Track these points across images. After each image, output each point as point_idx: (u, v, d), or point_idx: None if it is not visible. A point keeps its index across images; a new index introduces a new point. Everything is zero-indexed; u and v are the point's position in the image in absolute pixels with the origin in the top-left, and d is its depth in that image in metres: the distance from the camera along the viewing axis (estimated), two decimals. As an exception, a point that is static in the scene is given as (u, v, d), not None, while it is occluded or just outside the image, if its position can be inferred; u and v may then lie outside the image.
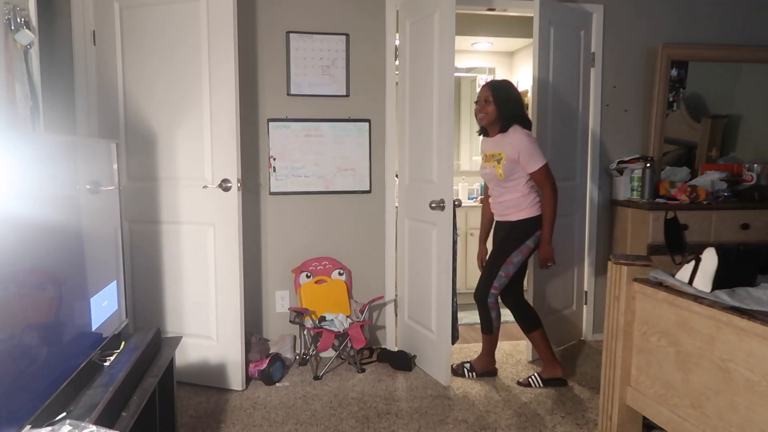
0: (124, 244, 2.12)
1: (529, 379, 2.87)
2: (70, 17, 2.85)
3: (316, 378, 2.94)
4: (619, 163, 3.47)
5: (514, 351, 3.36)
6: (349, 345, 3.09)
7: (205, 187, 2.70)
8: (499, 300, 2.88)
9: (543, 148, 3.19)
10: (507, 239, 2.76)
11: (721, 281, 1.78)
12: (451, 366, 2.95)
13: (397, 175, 3.34)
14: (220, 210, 2.70)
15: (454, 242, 2.82)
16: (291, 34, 3.12)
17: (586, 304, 3.60)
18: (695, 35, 3.58)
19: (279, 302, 3.27)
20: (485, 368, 2.97)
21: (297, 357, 3.18)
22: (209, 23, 2.62)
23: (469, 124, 4.97)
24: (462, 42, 4.55)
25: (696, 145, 3.65)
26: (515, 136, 2.64)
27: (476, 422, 2.47)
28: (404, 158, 3.23)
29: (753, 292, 1.71)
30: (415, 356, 3.13)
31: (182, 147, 2.73)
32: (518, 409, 2.61)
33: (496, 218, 2.88)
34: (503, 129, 2.68)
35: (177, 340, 2.18)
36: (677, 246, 2.97)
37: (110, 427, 1.44)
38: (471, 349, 3.38)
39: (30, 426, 1.26)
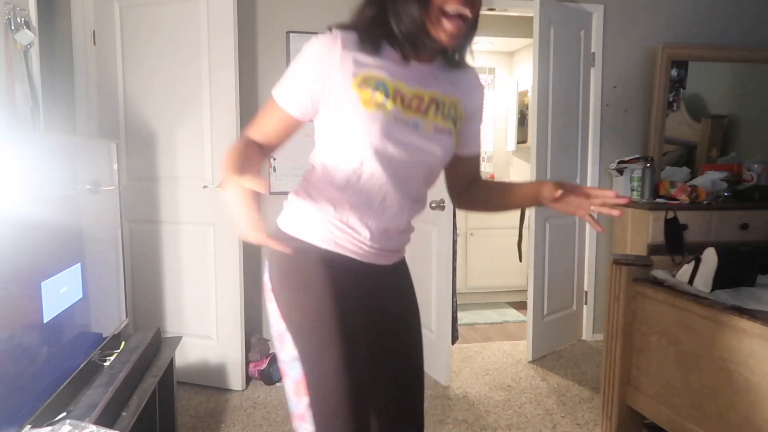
0: (124, 244, 2.12)
1: None
2: (70, 17, 2.85)
3: (316, 378, 2.94)
4: (619, 163, 3.47)
5: (514, 351, 3.36)
6: (349, 345, 3.08)
7: (205, 187, 2.70)
8: None
9: (543, 147, 3.21)
10: (413, 295, 1.32)
11: (721, 281, 1.78)
12: None
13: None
14: (220, 210, 2.70)
15: (454, 242, 2.82)
16: (291, 34, 3.12)
17: (586, 304, 3.60)
18: (695, 35, 3.57)
19: (279, 302, 3.26)
20: None
21: (297, 357, 3.18)
22: (209, 23, 2.62)
23: (469, 124, 4.97)
24: (462, 42, 4.55)
25: (696, 145, 3.65)
26: (478, 79, 1.30)
27: (476, 422, 2.47)
28: (404, 158, 3.22)
29: (753, 292, 1.71)
30: (415, 356, 3.12)
31: (182, 147, 2.73)
32: (518, 409, 2.61)
33: (378, 258, 1.19)
34: (460, 60, 1.23)
35: (177, 340, 2.18)
36: (677, 246, 2.96)
37: (110, 427, 1.44)
38: (471, 349, 3.39)
39: (30, 426, 1.26)
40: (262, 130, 1.16)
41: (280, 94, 1.12)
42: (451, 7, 1.05)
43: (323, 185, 1.13)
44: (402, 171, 1.12)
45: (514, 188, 1.32)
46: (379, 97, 1.07)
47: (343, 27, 1.12)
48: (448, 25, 1.06)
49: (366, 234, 1.14)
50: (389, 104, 1.08)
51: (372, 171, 1.09)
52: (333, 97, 1.09)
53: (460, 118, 1.21)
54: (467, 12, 1.07)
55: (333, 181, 1.12)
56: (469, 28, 1.12)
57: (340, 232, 1.13)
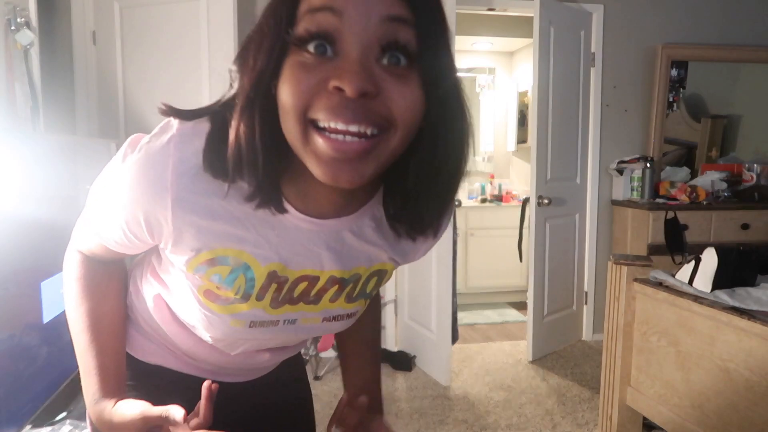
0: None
1: None
2: (70, 17, 2.85)
3: (316, 378, 2.94)
4: (619, 163, 3.47)
5: (514, 351, 3.36)
6: (349, 345, 3.08)
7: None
8: None
9: (543, 147, 3.21)
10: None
11: (721, 281, 1.77)
12: None
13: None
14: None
15: (454, 242, 2.82)
16: (291, 34, 3.12)
17: (586, 304, 3.60)
18: (695, 35, 3.57)
19: (279, 302, 3.27)
20: None
21: (297, 357, 3.17)
22: (209, 23, 2.63)
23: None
24: (462, 42, 4.55)
25: (696, 145, 3.65)
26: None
27: (476, 422, 2.47)
28: (404, 158, 3.22)
29: (753, 292, 1.71)
30: (415, 356, 3.13)
31: (182, 147, 2.73)
32: (518, 409, 2.61)
33: (236, 376, 0.86)
34: (410, 231, 0.66)
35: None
36: (677, 246, 2.96)
37: (110, 427, 1.44)
38: (471, 349, 3.39)
39: (30, 426, 1.26)
40: (99, 252, 0.76)
41: (96, 226, 0.70)
42: (324, 115, 0.50)
43: (149, 300, 0.78)
44: (261, 345, 0.79)
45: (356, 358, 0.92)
46: (229, 293, 0.65)
47: (192, 134, 0.58)
48: (320, 141, 0.51)
49: (208, 367, 0.81)
50: (246, 305, 0.67)
51: (214, 340, 0.74)
52: (164, 256, 0.70)
53: (388, 278, 0.77)
54: (356, 127, 0.50)
55: (163, 307, 0.77)
56: (381, 154, 0.53)
57: (171, 353, 0.80)
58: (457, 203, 2.86)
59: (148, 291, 0.78)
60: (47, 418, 1.34)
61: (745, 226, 3.24)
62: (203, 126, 0.58)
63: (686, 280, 1.86)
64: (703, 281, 1.81)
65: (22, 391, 1.28)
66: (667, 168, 3.58)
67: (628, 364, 2.10)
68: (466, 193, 4.65)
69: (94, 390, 0.69)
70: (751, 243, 3.21)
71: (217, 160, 0.56)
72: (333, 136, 0.50)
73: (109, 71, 2.81)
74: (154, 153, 0.58)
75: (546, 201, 3.15)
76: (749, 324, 1.57)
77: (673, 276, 1.93)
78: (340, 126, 0.50)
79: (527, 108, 4.41)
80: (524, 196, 3.56)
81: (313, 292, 0.69)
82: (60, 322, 1.50)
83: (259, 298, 0.66)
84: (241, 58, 0.55)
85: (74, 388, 1.53)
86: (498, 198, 4.62)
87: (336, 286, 0.70)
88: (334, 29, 0.49)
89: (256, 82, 0.53)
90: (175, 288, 0.72)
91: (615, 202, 3.53)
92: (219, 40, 2.62)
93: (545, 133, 3.16)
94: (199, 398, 0.66)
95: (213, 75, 2.65)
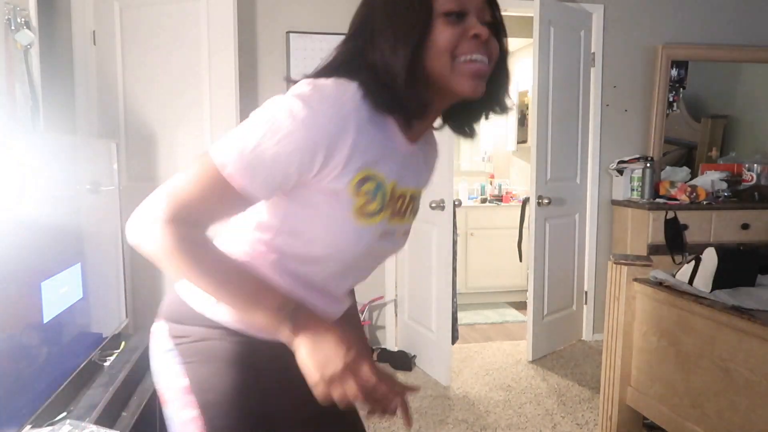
0: (124, 244, 2.12)
1: None
2: (70, 17, 2.85)
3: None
4: (619, 163, 3.47)
5: (514, 351, 3.36)
6: (349, 345, 3.08)
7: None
8: None
9: (543, 147, 3.21)
10: None
11: (721, 281, 1.78)
12: None
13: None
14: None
15: (454, 242, 2.82)
16: (291, 34, 3.12)
17: (586, 304, 3.60)
18: (695, 35, 3.57)
19: (279, 302, 3.26)
20: None
21: (297, 357, 3.17)
22: (209, 23, 2.63)
23: (469, 124, 4.96)
24: (462, 42, 4.54)
25: (696, 145, 3.65)
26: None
27: (476, 422, 2.47)
28: (404, 158, 3.22)
29: (753, 292, 1.71)
30: (415, 356, 3.13)
31: (182, 147, 2.73)
32: (518, 409, 2.61)
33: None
34: (471, 130, 0.98)
35: (177, 340, 2.17)
36: (677, 246, 2.97)
37: (110, 427, 1.44)
38: (471, 349, 3.39)
39: (30, 426, 1.26)
40: (211, 216, 0.81)
41: (245, 172, 0.73)
42: (466, 50, 0.78)
43: (259, 263, 0.85)
44: (355, 271, 0.92)
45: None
46: (374, 206, 0.81)
47: (353, 82, 0.77)
48: (466, 67, 0.78)
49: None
50: (380, 217, 0.83)
51: (324, 274, 0.87)
52: (311, 192, 0.79)
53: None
54: (485, 57, 0.80)
55: (269, 262, 0.85)
56: (496, 73, 0.84)
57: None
58: (457, 203, 2.86)
59: (264, 258, 0.85)
60: (47, 418, 1.34)
61: (745, 226, 3.24)
62: (343, 78, 0.77)
63: (686, 280, 1.87)
64: (703, 281, 1.81)
65: (22, 391, 1.28)
66: (667, 168, 3.58)
67: (628, 364, 2.11)
68: (466, 193, 4.65)
69: (279, 305, 0.76)
70: (751, 243, 3.21)
71: (379, 97, 0.77)
72: (471, 63, 0.78)
73: (109, 71, 2.81)
74: (330, 93, 0.75)
75: (546, 201, 3.15)
76: (749, 324, 1.57)
77: (673, 276, 1.93)
78: (476, 57, 0.78)
79: (527, 108, 4.40)
80: (524, 196, 3.56)
81: (403, 208, 0.90)
82: (60, 322, 1.50)
83: (387, 209, 0.84)
84: (389, 28, 0.78)
85: (74, 388, 1.53)
86: (498, 198, 4.62)
87: (412, 203, 0.92)
88: (464, 6, 0.78)
89: (412, 41, 0.76)
90: (310, 228, 0.81)
91: (615, 202, 3.53)
92: (219, 40, 2.62)
93: (545, 133, 3.16)
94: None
95: (213, 75, 2.64)
